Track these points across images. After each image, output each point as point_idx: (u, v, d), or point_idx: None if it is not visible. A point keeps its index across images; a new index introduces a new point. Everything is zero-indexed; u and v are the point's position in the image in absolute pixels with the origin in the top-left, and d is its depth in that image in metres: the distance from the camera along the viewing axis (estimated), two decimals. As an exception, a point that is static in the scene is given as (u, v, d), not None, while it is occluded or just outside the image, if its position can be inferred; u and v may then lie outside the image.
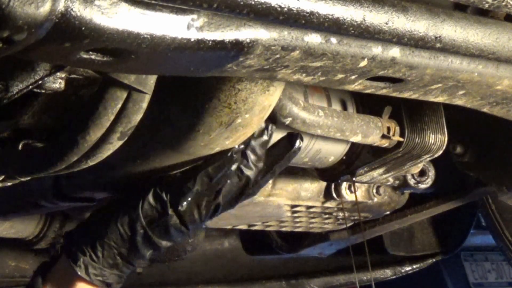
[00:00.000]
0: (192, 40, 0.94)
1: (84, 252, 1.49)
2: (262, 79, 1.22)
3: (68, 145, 1.21)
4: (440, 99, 1.30)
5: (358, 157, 1.68)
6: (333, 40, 1.05)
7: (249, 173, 1.45)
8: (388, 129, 1.59)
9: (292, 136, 1.49)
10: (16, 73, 1.14)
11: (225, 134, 1.29)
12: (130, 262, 1.51)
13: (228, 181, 1.44)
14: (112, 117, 1.15)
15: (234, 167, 1.43)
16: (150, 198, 1.46)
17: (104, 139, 1.18)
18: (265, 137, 1.45)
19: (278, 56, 1.03)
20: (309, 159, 1.65)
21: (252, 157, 1.44)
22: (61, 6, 0.83)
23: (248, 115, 1.27)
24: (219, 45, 0.97)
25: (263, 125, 1.42)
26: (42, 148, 1.38)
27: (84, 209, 1.73)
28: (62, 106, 1.38)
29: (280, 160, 1.48)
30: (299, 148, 1.50)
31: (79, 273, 1.48)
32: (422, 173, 1.86)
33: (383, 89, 1.23)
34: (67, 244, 1.53)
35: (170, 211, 1.45)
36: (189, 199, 1.45)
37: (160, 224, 1.47)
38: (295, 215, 2.04)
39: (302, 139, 1.50)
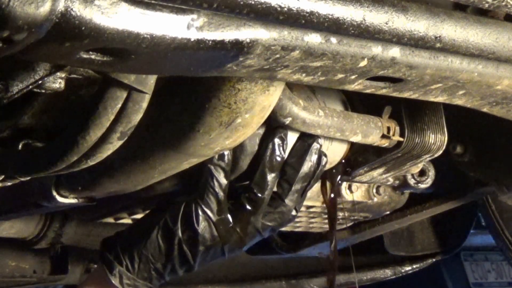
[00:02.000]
0: (192, 40, 0.94)
1: (121, 262, 1.50)
2: (262, 79, 1.22)
3: (68, 145, 1.20)
4: (440, 99, 1.30)
5: (358, 157, 1.68)
6: (333, 40, 1.05)
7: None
8: (388, 129, 1.59)
9: (321, 155, 1.54)
10: (16, 73, 1.14)
11: (225, 134, 1.29)
12: (163, 277, 1.52)
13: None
14: (112, 117, 1.15)
15: None
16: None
17: (104, 139, 1.18)
18: None
19: (278, 56, 1.03)
20: None
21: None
22: (61, 6, 0.83)
23: (248, 115, 1.27)
24: (219, 45, 0.97)
25: None
26: (42, 148, 1.38)
27: (84, 209, 1.73)
28: (62, 106, 1.38)
29: (310, 181, 1.55)
30: (325, 165, 1.55)
31: (113, 282, 1.49)
32: (422, 173, 1.86)
33: (383, 89, 1.23)
34: (105, 250, 1.54)
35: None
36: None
37: (196, 243, 1.49)
38: (295, 215, 2.03)
39: (325, 156, 1.55)
